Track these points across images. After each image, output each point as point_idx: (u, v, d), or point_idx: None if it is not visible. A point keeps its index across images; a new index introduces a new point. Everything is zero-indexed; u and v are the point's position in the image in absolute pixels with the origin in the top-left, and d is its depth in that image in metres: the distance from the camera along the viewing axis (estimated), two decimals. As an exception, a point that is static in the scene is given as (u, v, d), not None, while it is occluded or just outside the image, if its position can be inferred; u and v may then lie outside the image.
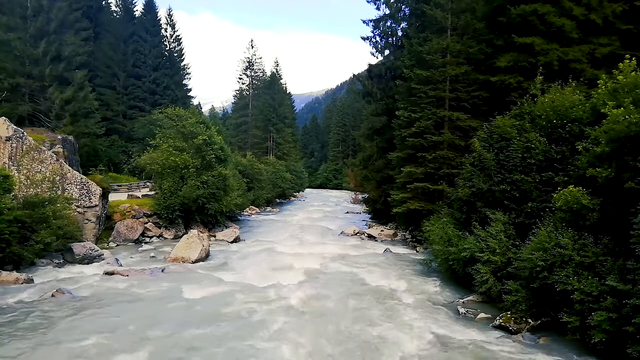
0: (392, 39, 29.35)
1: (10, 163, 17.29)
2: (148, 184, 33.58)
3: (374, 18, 29.02)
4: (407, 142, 21.20)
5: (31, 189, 16.52)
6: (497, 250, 11.37)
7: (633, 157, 8.78)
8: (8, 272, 12.96)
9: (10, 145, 17.52)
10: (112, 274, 14.03)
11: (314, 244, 21.90)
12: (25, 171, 17.02)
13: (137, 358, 8.09)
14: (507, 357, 8.65)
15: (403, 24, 28.51)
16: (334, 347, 8.98)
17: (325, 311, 11.21)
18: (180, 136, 24.52)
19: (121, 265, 15.63)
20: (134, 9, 49.65)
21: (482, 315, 10.93)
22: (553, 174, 11.34)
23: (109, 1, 49.72)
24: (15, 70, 26.98)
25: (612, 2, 17.22)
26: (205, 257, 17.40)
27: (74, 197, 18.30)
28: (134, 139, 41.58)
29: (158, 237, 21.95)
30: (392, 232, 25.75)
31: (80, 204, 18.61)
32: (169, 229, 22.67)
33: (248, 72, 67.26)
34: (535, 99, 13.38)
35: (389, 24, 29.12)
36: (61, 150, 21.30)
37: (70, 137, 24.68)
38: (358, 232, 26.03)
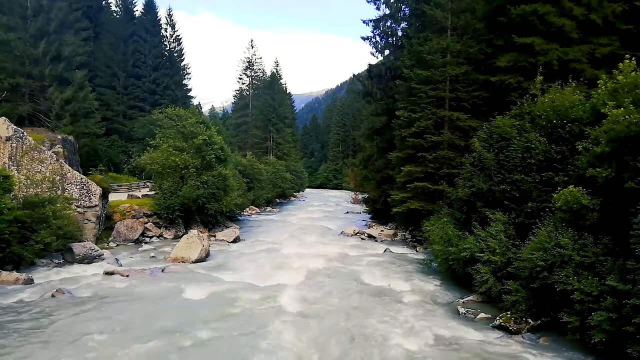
0: (392, 39, 29.35)
1: (10, 163, 17.29)
2: (148, 184, 33.58)
3: (374, 18, 29.04)
4: (407, 142, 21.20)
5: (31, 189, 16.52)
6: (497, 250, 11.38)
7: (633, 157, 8.78)
8: (8, 272, 12.96)
9: (10, 145, 17.53)
10: (112, 274, 14.03)
11: (314, 244, 21.90)
12: (25, 171, 17.02)
13: (137, 358, 8.09)
14: (507, 357, 8.65)
15: (403, 24, 28.52)
16: (334, 347, 8.98)
17: (325, 311, 11.21)
18: (180, 136, 24.52)
19: (121, 265, 15.63)
20: (134, 9, 49.67)
21: (482, 315, 10.93)
22: (553, 174, 11.34)
23: (109, 1, 49.78)
24: (15, 70, 26.98)
25: (612, 2, 17.22)
26: (205, 257, 17.40)
27: (74, 197, 18.30)
28: (134, 139, 41.58)
29: (158, 237, 21.95)
30: (392, 232, 25.75)
31: (80, 204, 18.61)
32: (169, 229, 22.67)
33: (248, 72, 67.30)
34: (535, 99, 13.39)
35: (389, 24, 29.12)
36: (61, 150, 21.30)
37: (70, 137, 24.69)
38: (358, 232, 26.03)
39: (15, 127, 17.97)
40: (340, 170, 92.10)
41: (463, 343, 9.28)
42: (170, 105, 32.10)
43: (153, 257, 17.67)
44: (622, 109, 8.94)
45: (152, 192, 25.42)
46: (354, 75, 36.37)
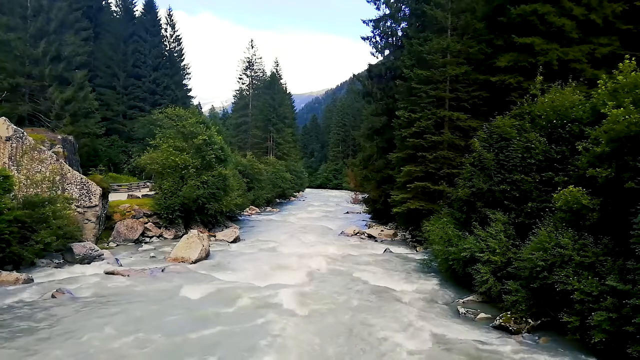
0: (392, 39, 29.35)
1: (10, 163, 17.29)
2: (148, 184, 33.58)
3: (374, 18, 29.04)
4: (407, 142, 21.20)
5: (31, 189, 16.51)
6: (497, 250, 11.37)
7: (633, 157, 8.78)
8: (8, 272, 12.95)
9: (10, 145, 17.52)
10: (112, 274, 14.04)
11: (314, 244, 21.90)
12: (25, 171, 17.02)
13: (137, 358, 8.09)
14: (507, 357, 8.65)
15: (403, 24, 28.51)
16: (334, 347, 8.98)
17: (325, 311, 11.21)
18: (180, 136, 24.51)
19: (121, 265, 15.63)
20: (134, 9, 49.67)
21: (482, 315, 10.93)
22: (553, 174, 11.34)
23: (109, 1, 49.78)
24: (15, 70, 26.97)
25: (612, 2, 17.22)
26: (205, 257, 17.40)
27: (74, 197, 18.29)
28: (134, 139, 41.58)
29: (158, 237, 21.94)
30: (392, 232, 25.75)
31: (80, 204, 18.61)
32: (169, 229, 22.67)
33: (248, 72, 67.32)
34: (535, 99, 13.39)
35: (389, 24, 29.13)
36: (61, 150, 21.30)
37: (70, 137, 24.68)
38: (358, 232, 26.03)
39: (15, 127, 17.97)
40: (340, 170, 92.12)
41: (463, 343, 9.27)
42: (170, 105, 32.10)
43: (153, 257, 17.67)
44: (622, 109, 8.94)
45: (152, 192, 25.42)
46: (354, 75, 36.38)
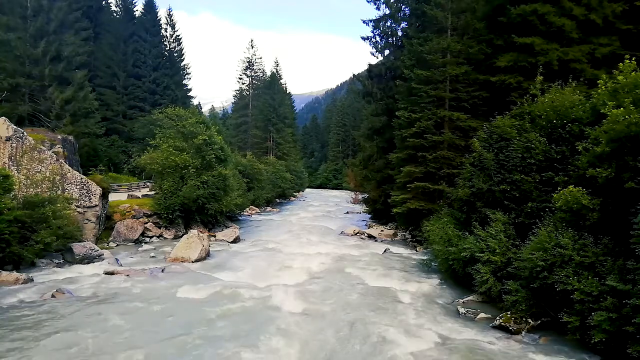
0: (392, 39, 29.36)
1: (10, 163, 17.29)
2: (148, 184, 33.58)
3: (374, 18, 29.08)
4: (407, 142, 21.20)
5: (31, 189, 16.52)
6: (497, 250, 11.37)
7: (633, 157, 8.78)
8: (8, 272, 12.96)
9: (10, 145, 17.52)
10: (112, 274, 14.04)
11: (314, 244, 21.90)
12: (25, 171, 17.02)
13: (137, 358, 8.09)
14: (507, 357, 8.65)
15: (403, 24, 28.55)
16: (334, 347, 8.98)
17: (325, 311, 11.21)
18: (180, 136, 24.51)
19: (121, 265, 15.63)
20: (134, 9, 49.66)
21: (482, 315, 10.93)
22: (553, 174, 11.34)
23: (109, 1, 49.76)
24: (15, 70, 26.95)
25: (612, 2, 17.21)
26: (205, 257, 17.40)
27: (74, 197, 18.29)
28: (134, 139, 41.57)
29: (158, 237, 21.94)
30: (392, 232, 25.75)
31: (80, 204, 18.61)
32: (169, 229, 22.67)
33: (248, 72, 67.32)
34: (535, 99, 13.38)
35: (389, 24, 29.15)
36: (61, 150, 21.29)
37: (70, 137, 24.68)
38: (358, 232, 26.02)
39: (15, 127, 17.97)
40: (340, 170, 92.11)
41: (463, 343, 9.27)
42: (170, 105, 32.09)
43: (153, 257, 17.67)
44: (622, 109, 8.94)
45: (152, 192, 25.42)
46: (354, 75, 36.39)
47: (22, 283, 12.49)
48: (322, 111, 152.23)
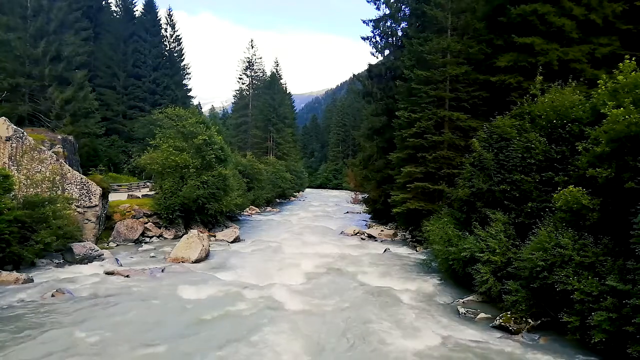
0: (392, 39, 29.36)
1: (10, 163, 17.29)
2: (148, 184, 33.58)
3: (374, 18, 29.07)
4: (407, 142, 21.20)
5: (31, 189, 16.51)
6: (497, 250, 11.37)
7: (633, 157, 8.78)
8: (8, 272, 12.96)
9: (10, 145, 17.53)
10: (112, 274, 14.03)
11: (314, 244, 21.90)
12: (25, 171, 17.02)
13: (137, 358, 8.09)
14: (507, 357, 8.65)
15: (403, 24, 28.55)
16: (334, 347, 8.98)
17: (326, 311, 11.21)
18: (180, 136, 24.51)
19: (121, 265, 15.62)
20: (134, 9, 49.67)
21: (482, 315, 10.93)
22: (553, 174, 11.34)
23: (109, 1, 49.78)
24: (15, 70, 26.96)
25: (612, 2, 17.21)
26: (205, 257, 17.40)
27: (74, 197, 18.29)
28: (134, 139, 41.58)
29: (158, 237, 21.94)
30: (392, 232, 25.75)
31: (80, 204, 18.61)
32: (169, 229, 22.67)
33: (248, 72, 67.34)
34: (535, 99, 13.38)
35: (389, 24, 29.15)
36: (61, 150, 21.30)
37: (70, 137, 24.69)
38: (358, 232, 26.02)
39: (15, 127, 17.97)
40: (340, 170, 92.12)
41: (463, 343, 9.27)
42: (170, 105, 32.09)
43: (153, 257, 17.67)
44: (622, 109, 8.94)
45: (152, 192, 25.42)
46: (354, 75, 36.39)
47: (22, 283, 12.49)
48: (322, 111, 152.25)
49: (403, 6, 28.34)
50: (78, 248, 15.91)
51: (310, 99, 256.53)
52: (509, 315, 10.19)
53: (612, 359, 8.14)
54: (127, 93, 44.97)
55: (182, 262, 16.50)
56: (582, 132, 10.96)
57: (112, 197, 23.15)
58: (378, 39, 29.45)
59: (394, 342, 9.22)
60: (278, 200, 52.29)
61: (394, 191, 22.82)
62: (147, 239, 21.30)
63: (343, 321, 10.43)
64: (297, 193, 65.99)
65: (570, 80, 13.51)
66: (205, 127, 25.04)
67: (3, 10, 27.01)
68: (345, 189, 70.54)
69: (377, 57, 30.49)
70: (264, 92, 63.58)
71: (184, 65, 52.52)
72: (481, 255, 11.59)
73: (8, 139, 17.49)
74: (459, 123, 20.15)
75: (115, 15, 48.81)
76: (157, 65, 46.89)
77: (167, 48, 49.99)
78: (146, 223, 22.03)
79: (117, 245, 19.83)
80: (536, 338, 9.55)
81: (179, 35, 51.32)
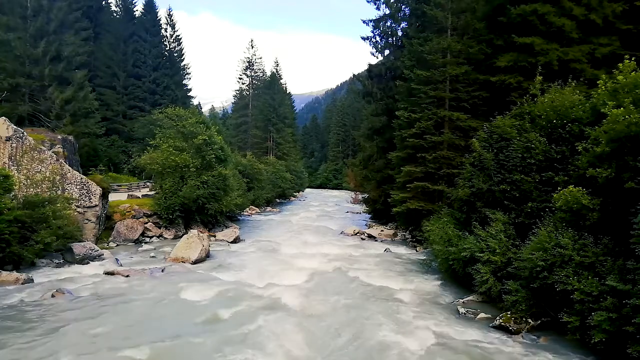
0: (392, 39, 29.35)
1: (10, 163, 17.29)
2: (148, 184, 33.58)
3: (374, 18, 29.06)
4: (407, 142, 21.20)
5: (31, 189, 16.51)
6: (497, 250, 11.37)
7: (633, 157, 8.78)
8: (8, 272, 12.96)
9: (10, 145, 17.53)
10: (112, 274, 14.03)
11: (314, 244, 21.89)
12: (25, 171, 17.02)
13: (137, 358, 8.09)
14: (507, 357, 8.65)
15: (403, 24, 28.55)
16: (333, 347, 8.98)
17: (325, 311, 11.21)
18: (180, 136, 24.51)
19: (121, 265, 15.62)
20: (134, 9, 49.67)
21: (482, 315, 10.93)
22: (553, 174, 11.34)
23: (109, 1, 49.79)
24: (15, 70, 26.96)
25: (612, 2, 17.20)
26: (205, 257, 17.40)
27: (74, 197, 18.29)
28: (134, 139, 41.59)
29: (158, 237, 21.94)
30: (392, 232, 25.75)
31: (80, 204, 18.61)
32: (169, 229, 22.67)
33: (248, 72, 67.35)
34: (535, 99, 13.38)
35: (389, 24, 29.14)
36: (61, 150, 21.30)
37: (70, 137, 24.68)
38: (358, 232, 26.02)
39: (15, 127, 17.97)
40: (340, 170, 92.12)
41: (463, 343, 9.27)
42: (170, 105, 32.08)
43: (153, 257, 17.67)
44: (622, 109, 8.94)
45: (152, 192, 25.42)
46: (354, 75, 36.38)
47: (22, 283, 12.49)
48: (322, 111, 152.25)
49: (403, 6, 28.34)
50: (78, 248, 15.91)
51: (310, 99, 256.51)
52: (509, 315, 10.18)
53: (612, 359, 8.13)
54: (127, 93, 44.97)
55: (182, 262, 16.50)
56: (582, 132, 10.96)
57: (112, 197, 23.15)
58: (378, 39, 29.45)
59: (393, 341, 9.22)
60: (278, 200, 52.29)
61: (394, 191, 22.83)
62: (147, 239, 21.30)
63: (343, 321, 10.43)
64: (297, 193, 65.99)
65: (570, 80, 13.50)
66: (205, 127, 25.04)
67: (3, 10, 27.01)
68: (345, 189, 70.56)
69: (377, 57, 30.53)
70: (264, 92, 63.58)
71: (184, 65, 52.55)
72: (481, 255, 11.58)
73: (8, 139, 17.49)
74: (459, 123, 20.15)
75: (115, 15, 48.82)
76: (157, 65, 46.90)
77: (167, 48, 50.00)
78: (146, 223, 22.03)
79: (117, 245, 19.83)
80: (536, 338, 9.55)
81: (179, 35, 51.38)
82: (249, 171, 39.47)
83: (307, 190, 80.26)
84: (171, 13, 51.12)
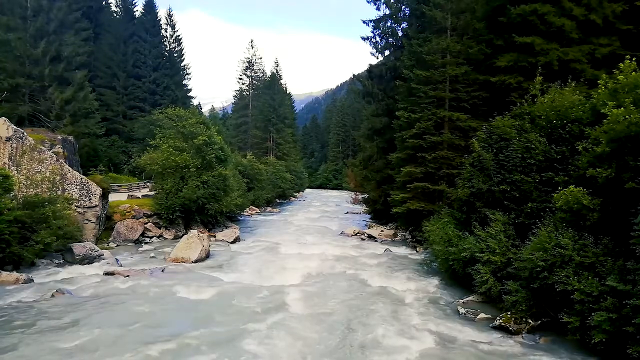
0: (392, 39, 29.35)
1: (10, 163, 17.29)
2: (148, 184, 33.55)
3: (374, 18, 29.05)
4: (407, 143, 21.21)
5: (31, 189, 16.52)
6: (497, 251, 11.36)
7: (633, 157, 8.77)
8: (8, 272, 12.96)
9: (10, 146, 17.52)
10: (112, 274, 14.03)
11: (314, 244, 21.89)
12: (25, 171, 17.03)
13: (136, 358, 8.08)
14: (507, 358, 8.64)
15: (403, 24, 28.54)
16: (333, 347, 8.98)
17: (325, 312, 11.20)
18: (180, 136, 24.52)
19: (121, 266, 15.63)
20: (134, 9, 49.65)
21: (482, 315, 10.93)
22: (553, 174, 11.33)
23: (109, 1, 49.75)
24: (15, 70, 26.93)
25: (612, 2, 17.20)
26: (205, 257, 17.40)
27: (74, 197, 18.29)
28: (134, 139, 41.57)
29: (158, 237, 21.94)
30: (392, 232, 25.74)
31: (80, 204, 18.61)
32: (169, 229, 22.67)
33: (248, 73, 67.36)
34: (535, 99, 13.38)
35: (389, 24, 29.13)
36: (61, 150, 21.29)
37: (70, 138, 24.67)
38: (358, 233, 26.02)
39: (15, 127, 17.96)
40: (340, 171, 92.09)
41: (463, 343, 9.27)
42: (170, 105, 32.11)
43: (153, 257, 17.67)
44: (622, 109, 8.93)
45: (152, 192, 25.40)
46: (354, 75, 36.39)
47: (22, 283, 12.50)
48: (322, 111, 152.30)
49: (403, 6, 28.34)
50: (78, 248, 15.91)
51: (310, 99, 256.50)
52: (509, 316, 10.18)
53: (612, 359, 8.13)
54: (127, 93, 44.96)
55: (182, 262, 16.50)
56: (582, 132, 10.96)
57: (112, 197, 23.14)
58: (378, 39, 29.44)
59: (393, 342, 9.22)
60: (278, 201, 52.28)
61: (394, 191, 22.83)
62: (147, 239, 21.29)
63: (343, 321, 10.43)
64: (297, 193, 65.98)
65: (570, 80, 13.50)
66: (205, 128, 25.04)
67: (3, 10, 26.99)
68: (345, 189, 70.52)
69: (377, 58, 30.52)
70: (264, 92, 63.60)
71: (184, 65, 52.49)
72: (481, 255, 11.58)
73: (8, 139, 17.49)
74: (458, 123, 20.15)
75: (115, 15, 48.79)
76: (157, 65, 46.87)
77: (167, 48, 49.94)
78: (146, 223, 22.03)
79: (117, 245, 19.83)
80: (536, 338, 9.54)
81: (179, 36, 51.34)
82: (249, 171, 39.48)
83: (307, 190, 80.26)
84: (171, 13, 51.09)
